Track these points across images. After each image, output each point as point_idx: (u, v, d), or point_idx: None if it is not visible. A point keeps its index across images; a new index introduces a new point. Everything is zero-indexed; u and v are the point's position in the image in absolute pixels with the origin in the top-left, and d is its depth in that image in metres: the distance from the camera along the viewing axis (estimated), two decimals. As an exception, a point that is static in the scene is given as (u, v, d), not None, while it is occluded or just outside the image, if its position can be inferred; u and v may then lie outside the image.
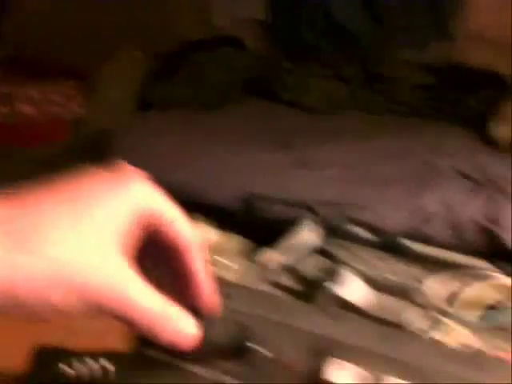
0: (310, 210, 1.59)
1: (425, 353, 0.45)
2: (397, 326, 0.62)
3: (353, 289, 0.68)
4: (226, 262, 0.76)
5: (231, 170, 1.73)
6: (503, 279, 0.73)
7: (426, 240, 1.40)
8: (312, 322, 0.47)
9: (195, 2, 2.60)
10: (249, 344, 0.43)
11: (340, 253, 0.82)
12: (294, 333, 0.46)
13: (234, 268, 0.74)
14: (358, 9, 2.34)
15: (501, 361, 0.47)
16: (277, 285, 0.70)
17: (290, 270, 0.72)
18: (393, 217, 1.49)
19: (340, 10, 2.33)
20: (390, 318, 0.66)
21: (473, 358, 0.47)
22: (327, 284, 0.66)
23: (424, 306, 0.67)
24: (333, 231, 0.89)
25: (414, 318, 0.61)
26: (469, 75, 2.14)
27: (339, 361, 0.42)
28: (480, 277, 0.74)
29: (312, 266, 0.72)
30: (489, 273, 0.74)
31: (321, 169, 1.73)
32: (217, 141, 1.88)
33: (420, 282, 0.72)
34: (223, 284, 0.45)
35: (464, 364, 0.44)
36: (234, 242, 0.83)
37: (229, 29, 2.50)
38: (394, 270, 0.78)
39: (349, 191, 1.62)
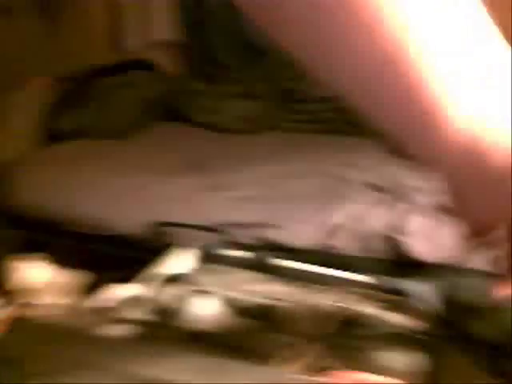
0: (220, 232, 1.55)
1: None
2: (250, 352, 0.58)
3: (204, 316, 0.63)
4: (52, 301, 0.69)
5: (140, 198, 1.66)
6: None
7: (334, 253, 1.39)
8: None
9: (106, 26, 2.53)
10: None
11: (208, 278, 0.77)
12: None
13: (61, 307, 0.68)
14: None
15: None
16: (120, 320, 0.63)
17: (143, 302, 0.66)
18: (303, 233, 1.47)
19: (252, 27, 2.33)
20: (244, 343, 0.62)
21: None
22: (175, 313, 0.61)
23: (283, 328, 0.63)
24: (211, 256, 0.84)
25: (268, 342, 0.57)
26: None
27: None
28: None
29: (168, 296, 0.66)
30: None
31: (233, 190, 1.69)
32: (127, 170, 1.80)
33: (287, 301, 0.68)
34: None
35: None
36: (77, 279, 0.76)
37: (141, 52, 2.44)
38: (262, 292, 0.73)
39: (260, 211, 1.59)
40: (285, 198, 1.65)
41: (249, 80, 2.22)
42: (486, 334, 0.61)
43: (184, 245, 0.88)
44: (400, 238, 1.36)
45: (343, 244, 1.43)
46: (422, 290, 0.73)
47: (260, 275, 0.80)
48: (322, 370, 0.58)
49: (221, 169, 1.81)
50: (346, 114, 2.12)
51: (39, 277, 0.66)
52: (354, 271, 0.77)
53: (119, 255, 1.56)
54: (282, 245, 1.47)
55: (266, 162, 1.84)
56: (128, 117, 2.06)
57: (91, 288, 0.79)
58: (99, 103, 2.07)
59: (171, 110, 2.15)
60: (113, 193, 1.70)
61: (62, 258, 1.57)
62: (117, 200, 1.68)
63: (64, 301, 0.68)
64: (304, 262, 0.83)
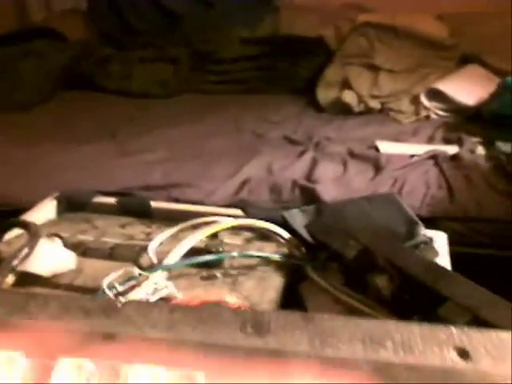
0: (134, 196, 1.50)
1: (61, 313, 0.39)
2: (94, 291, 0.54)
3: (45, 260, 0.59)
4: None
5: (44, 169, 1.57)
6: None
7: (248, 206, 1.36)
8: None
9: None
10: None
11: (70, 226, 0.73)
12: None
13: None
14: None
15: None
16: None
17: None
18: (217, 191, 1.43)
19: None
20: (92, 284, 0.58)
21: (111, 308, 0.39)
22: (9, 259, 0.56)
23: (143, 266, 0.60)
24: (80, 206, 0.80)
25: (114, 280, 0.54)
26: (296, 44, 2.14)
27: None
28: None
29: (16, 246, 0.62)
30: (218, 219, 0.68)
31: (145, 155, 1.62)
32: (32, 140, 1.71)
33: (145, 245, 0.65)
34: None
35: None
36: None
37: (46, 20, 2.31)
38: (129, 235, 0.70)
39: (174, 173, 1.54)
40: (197, 157, 1.60)
41: (161, 44, 2.14)
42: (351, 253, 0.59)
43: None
44: (310, 185, 1.35)
45: (256, 197, 1.41)
46: (295, 218, 0.71)
47: (128, 219, 0.76)
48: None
49: (132, 134, 1.74)
50: (259, 72, 2.10)
51: None
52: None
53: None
54: (193, 203, 1.43)
55: (178, 125, 1.79)
56: (33, 86, 1.94)
57: None
58: (1, 74, 1.94)
59: (80, 78, 2.05)
60: (17, 165, 1.60)
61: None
62: (22, 172, 1.58)
63: None
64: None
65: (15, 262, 0.58)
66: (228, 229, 0.68)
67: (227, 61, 2.09)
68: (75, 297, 0.50)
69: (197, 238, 0.63)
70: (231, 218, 0.68)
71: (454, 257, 0.73)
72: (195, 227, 0.69)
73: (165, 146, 1.68)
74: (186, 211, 0.78)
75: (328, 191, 1.36)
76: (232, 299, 0.53)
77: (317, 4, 2.30)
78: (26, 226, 0.64)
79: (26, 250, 0.59)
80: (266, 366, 0.37)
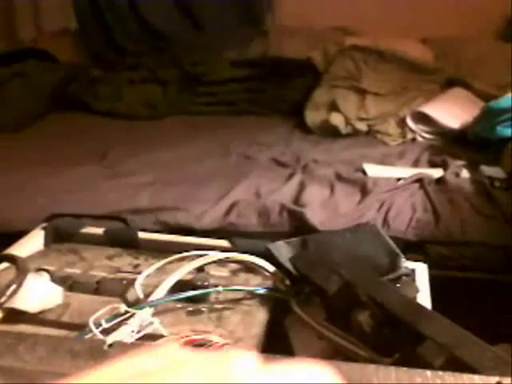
0: (122, 220, 1.50)
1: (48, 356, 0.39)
2: (80, 328, 0.55)
3: (32, 296, 0.60)
4: None
5: (33, 192, 1.57)
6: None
7: (236, 229, 1.38)
8: None
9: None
10: None
11: (58, 258, 0.73)
12: None
13: None
14: (170, 11, 2.30)
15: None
16: None
17: None
18: (206, 214, 1.44)
19: (152, 12, 2.27)
20: (79, 320, 0.59)
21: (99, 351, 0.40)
22: (2, 296, 0.57)
23: (129, 301, 0.61)
24: (67, 237, 0.81)
25: (100, 317, 0.54)
26: (284, 66, 2.17)
27: None
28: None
29: (4, 280, 0.62)
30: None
31: (133, 177, 1.63)
32: (20, 164, 1.70)
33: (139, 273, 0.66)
34: None
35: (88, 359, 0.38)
36: None
37: (35, 41, 2.32)
38: (116, 267, 0.71)
39: (162, 196, 1.55)
40: (186, 180, 1.62)
41: (150, 65, 2.16)
42: (333, 288, 0.60)
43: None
44: (298, 209, 1.37)
45: (244, 220, 1.42)
46: (279, 250, 0.72)
47: (115, 250, 0.77)
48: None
49: (121, 156, 1.75)
50: (248, 94, 2.13)
51: None
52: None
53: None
54: (182, 227, 1.44)
55: (168, 147, 1.80)
56: (21, 108, 1.95)
57: None
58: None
59: (69, 100, 2.06)
60: (4, 188, 1.60)
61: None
62: (9, 196, 1.58)
63: None
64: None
65: (3, 299, 0.58)
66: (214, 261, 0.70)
67: (216, 83, 2.11)
68: (63, 339, 0.50)
69: (183, 273, 0.64)
70: (216, 252, 0.69)
71: (439, 280, 0.75)
72: (182, 259, 0.70)
73: (153, 168, 1.69)
74: (174, 242, 0.79)
75: (315, 215, 1.37)
76: (216, 338, 0.54)
77: (304, 27, 2.34)
78: (13, 260, 0.64)
79: (13, 287, 0.60)
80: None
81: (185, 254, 0.70)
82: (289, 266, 0.67)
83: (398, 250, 0.74)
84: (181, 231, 1.47)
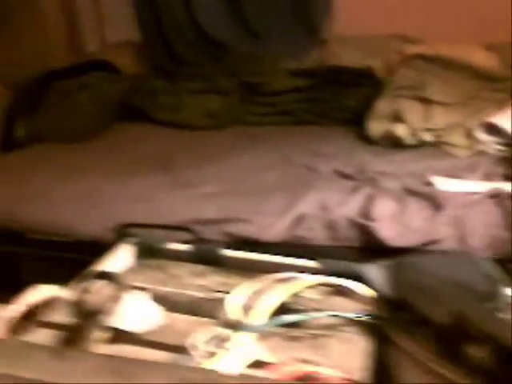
0: (189, 230, 1.51)
1: None
2: (180, 350, 0.55)
3: (135, 316, 0.60)
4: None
5: (103, 201, 1.61)
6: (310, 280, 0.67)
7: (303, 243, 1.36)
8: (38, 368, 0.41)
9: (62, 29, 2.47)
10: None
11: (150, 275, 0.74)
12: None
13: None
14: (228, 21, 2.31)
15: None
16: (48, 325, 0.61)
17: (72, 304, 0.63)
18: (270, 226, 1.43)
19: (210, 22, 2.29)
20: (175, 341, 0.59)
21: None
22: (97, 316, 0.57)
23: (223, 322, 0.60)
24: (154, 252, 0.81)
25: (199, 339, 0.54)
26: (343, 75, 2.15)
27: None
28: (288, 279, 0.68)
29: (102, 296, 0.63)
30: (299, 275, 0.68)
31: (199, 188, 1.64)
32: (88, 173, 1.75)
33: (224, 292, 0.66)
34: None
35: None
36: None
37: (99, 53, 2.39)
38: (208, 286, 0.70)
39: (228, 206, 1.55)
40: (250, 191, 1.61)
41: (210, 75, 2.18)
42: (443, 319, 0.58)
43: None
44: (368, 223, 1.34)
45: (311, 234, 1.40)
46: (373, 274, 0.70)
47: (202, 267, 0.77)
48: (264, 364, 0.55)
49: (184, 166, 1.77)
50: (307, 104, 2.11)
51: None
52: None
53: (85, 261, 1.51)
54: (248, 239, 1.44)
55: (230, 157, 1.81)
56: (87, 119, 2.00)
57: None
58: (57, 106, 2.01)
59: (132, 110, 2.10)
60: (74, 197, 1.64)
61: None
62: (78, 204, 1.62)
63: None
64: (272, 254, 0.81)
65: (108, 321, 0.59)
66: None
67: (275, 93, 2.11)
68: (178, 366, 0.50)
69: (281, 297, 0.63)
70: (311, 275, 0.68)
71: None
72: (275, 280, 0.69)
73: (216, 179, 1.70)
74: (259, 261, 0.78)
75: (386, 230, 1.34)
76: (329, 370, 0.52)
77: (363, 36, 2.30)
78: (111, 278, 0.65)
79: (114, 306, 0.60)
80: None
81: (278, 275, 0.69)
82: (386, 290, 0.65)
83: (496, 276, 0.70)
84: (245, 243, 1.48)
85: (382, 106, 1.91)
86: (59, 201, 1.63)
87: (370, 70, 2.14)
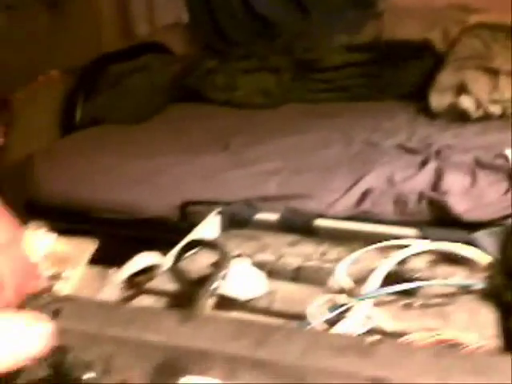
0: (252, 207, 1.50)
1: (307, 350, 0.38)
2: (297, 318, 0.53)
3: (242, 282, 0.58)
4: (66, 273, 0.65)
5: (167, 180, 1.61)
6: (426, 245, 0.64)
7: (371, 218, 1.33)
8: (169, 332, 0.40)
9: (114, 13, 2.48)
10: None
11: (244, 244, 0.72)
12: (142, 348, 0.39)
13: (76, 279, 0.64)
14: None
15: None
16: (152, 291, 0.60)
17: (174, 272, 0.62)
18: (338, 202, 1.41)
19: (259, 0, 2.25)
20: (291, 309, 0.57)
21: (366, 348, 0.37)
22: (209, 282, 0.56)
23: (333, 290, 0.58)
24: (242, 222, 0.80)
25: (315, 307, 0.52)
26: (401, 49, 2.08)
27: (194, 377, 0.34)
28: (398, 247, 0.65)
29: (201, 264, 0.62)
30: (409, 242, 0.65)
31: (260, 165, 1.63)
32: (149, 152, 1.76)
33: (334, 262, 0.63)
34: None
35: (354, 356, 0.36)
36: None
37: (151, 35, 2.39)
38: (305, 255, 0.69)
39: (290, 183, 1.53)
40: (311, 168, 1.59)
41: (262, 54, 2.15)
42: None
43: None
44: (439, 197, 1.29)
45: (379, 209, 1.37)
46: (486, 240, 0.67)
47: (294, 237, 0.75)
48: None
49: (243, 144, 1.76)
50: (364, 79, 2.05)
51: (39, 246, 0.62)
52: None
53: (151, 238, 1.52)
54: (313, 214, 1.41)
55: (287, 135, 1.78)
56: (144, 100, 2.01)
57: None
58: (114, 89, 2.03)
59: (187, 91, 2.10)
60: (138, 176, 1.66)
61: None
62: (143, 183, 1.63)
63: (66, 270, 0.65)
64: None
65: (215, 285, 0.58)
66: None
67: (330, 68, 2.06)
68: (318, 332, 0.48)
69: (391, 264, 0.61)
70: (420, 242, 0.65)
71: None
72: (378, 249, 0.67)
73: (276, 156, 1.68)
74: (354, 230, 0.76)
75: (459, 204, 1.29)
76: (469, 337, 0.50)
77: (421, 6, 2.22)
78: (214, 246, 0.64)
79: (223, 273, 0.59)
80: None
81: (385, 243, 0.66)
82: (502, 256, 0.62)
83: None
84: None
85: (445, 78, 1.84)
86: (123, 180, 1.65)
87: (429, 43, 2.06)
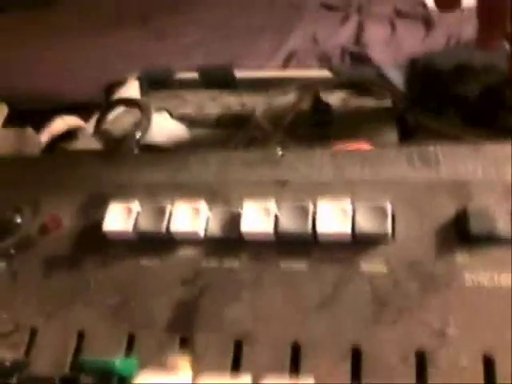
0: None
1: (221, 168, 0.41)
2: None
3: (163, 131, 0.60)
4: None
5: (85, 63, 1.54)
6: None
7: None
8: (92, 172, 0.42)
9: None
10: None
11: (164, 102, 0.73)
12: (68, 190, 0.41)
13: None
14: None
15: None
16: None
17: (98, 132, 0.63)
18: (264, 66, 1.40)
19: None
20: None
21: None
22: (132, 135, 0.58)
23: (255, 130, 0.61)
24: (162, 83, 0.80)
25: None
26: None
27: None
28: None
29: (124, 123, 0.63)
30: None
31: (183, 37, 1.57)
32: (63, 37, 1.64)
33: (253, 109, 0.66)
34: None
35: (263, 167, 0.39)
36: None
37: None
38: (226, 106, 0.70)
39: (216, 52, 1.50)
40: (236, 36, 1.55)
41: None
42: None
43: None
44: (359, 50, 1.32)
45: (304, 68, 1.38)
46: (392, 74, 0.70)
47: (216, 92, 0.76)
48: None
49: (164, 16, 1.67)
50: None
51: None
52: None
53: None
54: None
55: (208, 3, 1.70)
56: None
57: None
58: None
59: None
60: (54, 63, 1.56)
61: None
62: (60, 69, 1.55)
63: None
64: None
65: (138, 135, 0.59)
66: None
67: None
68: (233, 152, 0.51)
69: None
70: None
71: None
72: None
73: (196, 28, 1.62)
74: (274, 78, 0.77)
75: (379, 54, 1.32)
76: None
77: None
78: (135, 103, 0.64)
79: (144, 124, 0.60)
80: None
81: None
82: (405, 85, 0.66)
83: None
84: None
85: None
86: (41, 69, 1.55)
87: None
